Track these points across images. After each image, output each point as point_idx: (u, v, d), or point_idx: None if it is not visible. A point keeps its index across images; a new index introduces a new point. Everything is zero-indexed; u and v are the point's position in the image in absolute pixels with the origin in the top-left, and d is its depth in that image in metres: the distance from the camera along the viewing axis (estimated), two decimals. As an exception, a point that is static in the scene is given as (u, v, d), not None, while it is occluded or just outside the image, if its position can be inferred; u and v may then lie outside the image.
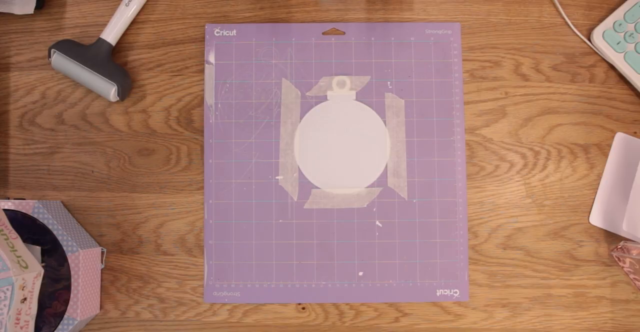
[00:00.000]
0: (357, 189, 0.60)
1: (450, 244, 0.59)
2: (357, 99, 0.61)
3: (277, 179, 0.60)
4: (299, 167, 0.60)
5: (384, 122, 0.60)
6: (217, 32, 0.61)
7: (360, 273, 0.59)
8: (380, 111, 0.61)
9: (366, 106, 0.61)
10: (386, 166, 0.60)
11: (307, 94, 0.61)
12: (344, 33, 0.61)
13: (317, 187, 0.60)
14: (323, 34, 0.61)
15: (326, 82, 0.61)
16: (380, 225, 0.59)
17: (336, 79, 0.61)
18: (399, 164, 0.60)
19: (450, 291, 0.59)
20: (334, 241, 0.59)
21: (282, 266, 0.59)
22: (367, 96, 0.61)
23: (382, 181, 0.60)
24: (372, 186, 0.60)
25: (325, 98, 0.61)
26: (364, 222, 0.59)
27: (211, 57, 0.61)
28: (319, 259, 0.59)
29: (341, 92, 0.61)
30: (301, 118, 0.61)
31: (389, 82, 0.61)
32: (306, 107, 0.61)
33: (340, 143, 0.60)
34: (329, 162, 0.60)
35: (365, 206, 0.60)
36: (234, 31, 0.61)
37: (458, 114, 0.61)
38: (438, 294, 0.59)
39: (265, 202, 0.60)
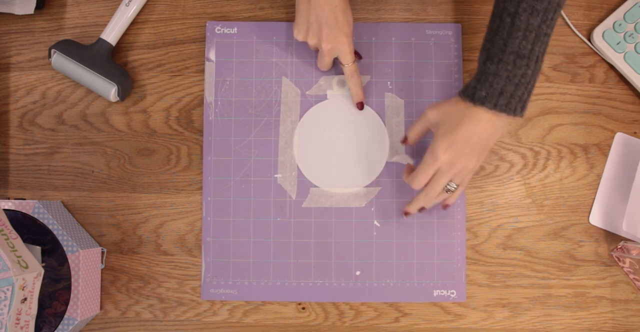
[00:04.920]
0: (355, 188, 0.60)
1: (448, 245, 0.59)
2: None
3: (276, 177, 0.60)
4: (297, 166, 0.60)
5: (384, 121, 0.60)
6: (218, 30, 0.61)
7: (358, 272, 0.59)
8: (380, 111, 0.61)
9: (366, 106, 0.60)
10: (385, 166, 0.60)
11: (307, 92, 0.61)
12: None
13: (315, 186, 0.60)
14: None
15: (326, 81, 0.61)
16: (378, 224, 0.59)
17: (336, 78, 0.61)
18: (399, 164, 0.60)
19: (447, 292, 0.59)
20: (332, 240, 0.59)
21: (280, 264, 0.59)
22: (367, 96, 0.61)
23: (380, 180, 0.60)
24: (370, 185, 0.60)
25: (325, 97, 0.61)
26: (362, 221, 0.59)
27: (212, 55, 0.61)
28: (316, 258, 0.59)
29: (341, 92, 0.61)
30: (301, 117, 0.60)
31: (389, 82, 0.61)
32: (306, 105, 0.61)
33: (340, 142, 0.60)
34: (328, 161, 0.60)
35: (364, 205, 0.60)
36: (235, 29, 0.61)
37: None
38: (435, 294, 0.59)
39: (263, 200, 0.60)
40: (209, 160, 0.60)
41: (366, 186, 0.60)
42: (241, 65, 0.61)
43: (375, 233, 0.59)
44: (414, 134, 0.56)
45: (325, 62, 0.57)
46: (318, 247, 0.59)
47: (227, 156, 0.60)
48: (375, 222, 0.59)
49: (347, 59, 0.56)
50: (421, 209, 0.56)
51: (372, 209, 0.60)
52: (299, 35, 0.55)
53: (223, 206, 0.60)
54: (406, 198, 0.60)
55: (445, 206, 0.57)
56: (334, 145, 0.60)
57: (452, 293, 0.59)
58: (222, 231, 0.59)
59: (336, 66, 0.61)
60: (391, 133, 0.60)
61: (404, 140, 0.57)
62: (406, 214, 0.58)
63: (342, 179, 0.60)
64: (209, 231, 0.59)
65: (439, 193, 0.53)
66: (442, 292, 0.59)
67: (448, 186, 0.53)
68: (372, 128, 0.60)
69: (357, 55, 0.59)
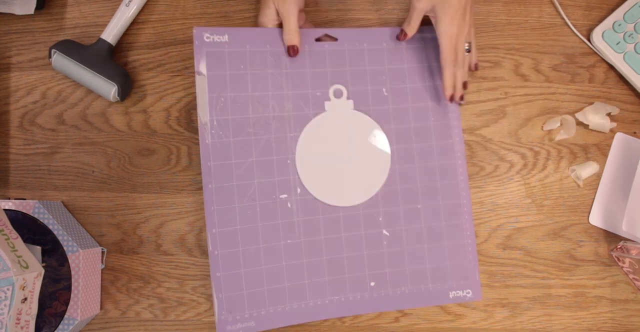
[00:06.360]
0: (361, 200, 0.58)
1: (459, 246, 0.59)
2: (355, 108, 0.59)
3: (282, 198, 0.57)
4: (302, 183, 0.57)
5: (384, 130, 0.59)
6: (208, 38, 0.55)
7: (372, 283, 0.58)
8: (379, 119, 0.59)
9: (364, 115, 0.59)
10: (389, 173, 0.59)
11: (305, 105, 0.58)
12: (336, 39, 0.59)
13: (322, 202, 0.57)
14: (316, 40, 0.58)
15: (323, 92, 0.58)
16: (388, 234, 0.58)
17: (332, 88, 0.59)
18: (402, 171, 0.59)
19: (463, 292, 0.58)
20: (344, 254, 0.57)
21: (294, 287, 0.56)
22: (365, 104, 0.59)
23: (386, 189, 0.59)
24: (376, 195, 0.59)
25: (323, 109, 0.58)
26: (371, 233, 0.58)
27: (202, 67, 0.55)
28: (330, 274, 0.57)
29: (339, 102, 0.59)
30: (301, 131, 0.58)
31: (384, 89, 0.59)
32: (305, 119, 0.58)
33: (342, 155, 0.59)
34: (332, 175, 0.58)
35: (372, 216, 0.58)
36: (226, 36, 0.56)
37: (454, 116, 0.60)
38: (451, 296, 0.58)
39: (271, 224, 0.56)
40: (210, 188, 0.55)
41: (372, 197, 0.59)
42: (235, 78, 0.56)
43: (385, 242, 0.58)
44: (412, 29, 0.57)
45: (268, 14, 0.56)
46: (330, 264, 0.57)
47: (229, 182, 0.55)
48: (385, 232, 0.58)
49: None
50: (464, 84, 0.58)
51: (380, 218, 0.58)
52: (265, 19, 0.55)
53: (230, 236, 0.55)
54: (412, 204, 0.58)
55: (476, 66, 0.59)
56: (336, 158, 0.58)
57: (468, 293, 0.58)
58: (232, 263, 0.55)
59: (331, 74, 0.58)
60: (391, 140, 0.59)
61: (403, 36, 0.58)
62: (452, 99, 0.58)
63: (348, 192, 0.58)
64: (217, 265, 0.55)
65: (465, 59, 0.57)
66: (459, 293, 0.58)
67: (466, 48, 0.57)
68: (373, 137, 0.59)
69: (331, 38, 0.58)
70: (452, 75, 0.56)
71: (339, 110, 0.59)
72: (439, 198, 0.59)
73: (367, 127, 0.59)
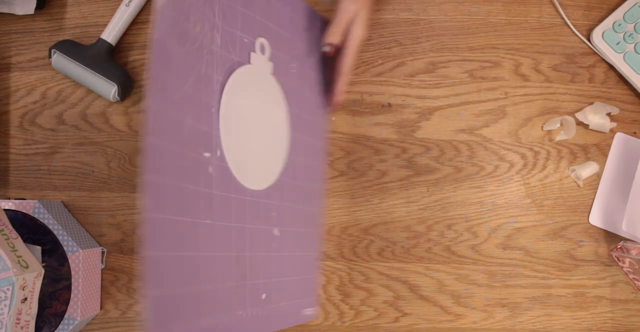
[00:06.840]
0: (263, 185, 0.48)
1: (315, 258, 0.54)
2: (273, 74, 0.49)
3: (205, 157, 0.42)
4: (221, 145, 0.44)
5: (287, 111, 0.50)
6: None
7: (264, 295, 0.47)
8: (287, 96, 0.51)
9: (278, 86, 0.49)
10: (285, 163, 0.50)
11: (232, 47, 0.46)
12: None
13: (234, 177, 0.45)
14: None
15: (250, 41, 0.47)
16: (278, 234, 0.49)
17: (259, 40, 0.48)
18: (294, 163, 0.51)
19: (306, 310, 0.53)
20: (247, 253, 0.46)
21: (210, 291, 0.42)
22: (280, 74, 0.49)
23: (282, 180, 0.50)
24: (274, 184, 0.49)
25: (248, 60, 0.47)
26: (266, 229, 0.48)
27: None
28: (236, 278, 0.44)
29: (262, 60, 0.48)
30: (226, 78, 0.45)
31: (294, 65, 0.52)
32: (229, 64, 0.45)
33: (258, 124, 0.48)
34: (247, 145, 0.46)
35: (269, 208, 0.48)
36: None
37: (326, 117, 0.56)
38: (305, 313, 0.52)
39: (192, 190, 0.40)
40: (149, 108, 0.37)
41: (271, 185, 0.48)
42: None
43: (274, 244, 0.48)
44: (342, 37, 0.53)
45: None
46: (237, 263, 0.44)
47: (166, 107, 0.38)
48: (275, 231, 0.48)
49: None
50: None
51: (274, 214, 0.48)
52: None
53: (165, 191, 0.37)
54: (297, 204, 0.52)
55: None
56: (253, 126, 0.48)
57: (313, 310, 0.54)
58: (169, 237, 0.37)
59: (260, 25, 0.49)
60: (291, 125, 0.52)
61: (333, 49, 0.53)
62: (336, 104, 0.54)
63: (254, 172, 0.47)
64: (155, 237, 0.36)
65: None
66: (309, 311, 0.53)
67: None
68: (278, 115, 0.50)
69: None
70: (347, 81, 0.54)
71: (261, 69, 0.49)
72: (312, 202, 0.54)
73: (278, 100, 0.50)
